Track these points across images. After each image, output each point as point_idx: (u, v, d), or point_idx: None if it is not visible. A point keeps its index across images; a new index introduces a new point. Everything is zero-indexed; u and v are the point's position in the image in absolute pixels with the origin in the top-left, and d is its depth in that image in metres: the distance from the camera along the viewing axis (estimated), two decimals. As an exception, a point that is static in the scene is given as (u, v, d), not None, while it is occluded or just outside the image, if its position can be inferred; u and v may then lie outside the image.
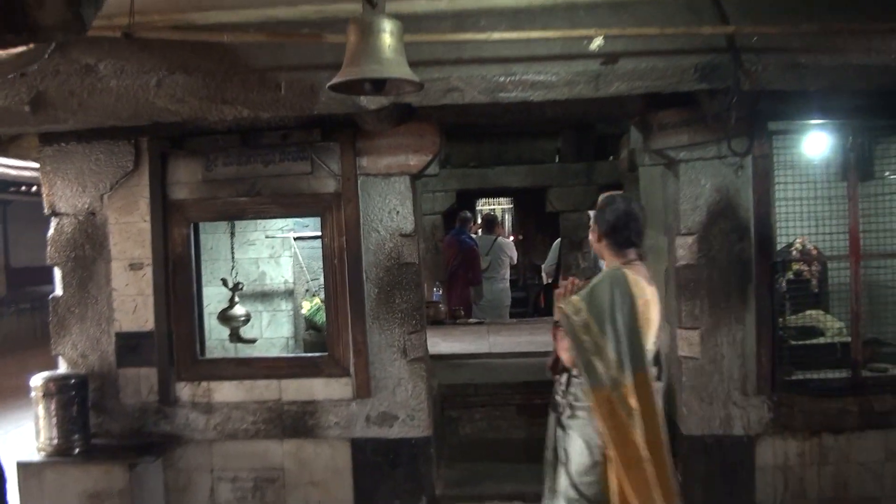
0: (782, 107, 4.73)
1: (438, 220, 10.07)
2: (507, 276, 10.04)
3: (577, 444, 3.56)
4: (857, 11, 4.36)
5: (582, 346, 3.38)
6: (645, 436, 3.32)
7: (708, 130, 4.69)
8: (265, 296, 6.54)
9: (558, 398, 3.73)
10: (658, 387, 3.71)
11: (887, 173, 5.31)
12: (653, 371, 3.60)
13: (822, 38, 4.36)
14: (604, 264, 3.86)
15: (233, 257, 6.08)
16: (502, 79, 4.36)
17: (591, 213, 3.69)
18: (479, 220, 11.09)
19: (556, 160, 10.13)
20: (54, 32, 2.27)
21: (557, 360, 3.62)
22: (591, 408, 3.39)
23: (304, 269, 6.44)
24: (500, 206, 16.47)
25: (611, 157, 9.14)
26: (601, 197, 3.93)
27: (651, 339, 3.55)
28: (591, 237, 3.74)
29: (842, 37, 4.36)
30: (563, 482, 3.60)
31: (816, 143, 5.13)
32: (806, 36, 4.32)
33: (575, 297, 3.45)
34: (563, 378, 3.66)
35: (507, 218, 15.99)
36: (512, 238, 13.84)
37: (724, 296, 4.82)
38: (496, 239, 9.98)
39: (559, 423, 3.68)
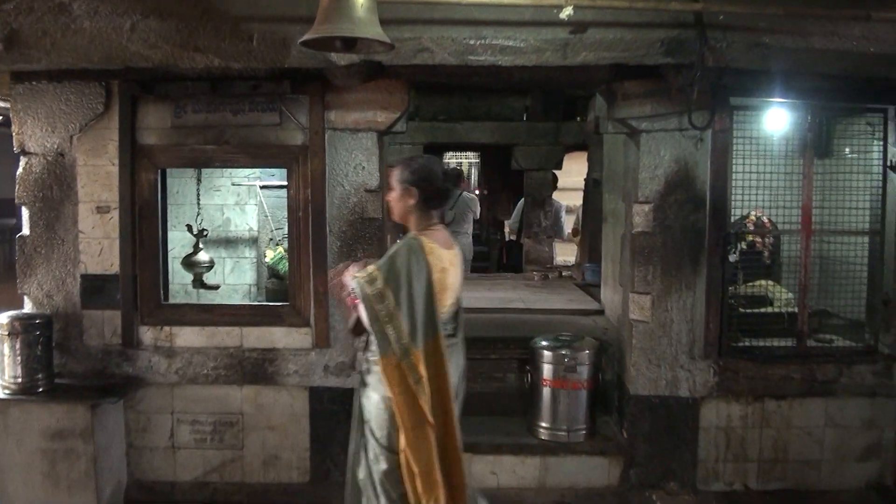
0: (745, 83, 4.88)
1: (405, 172, 10.17)
2: (471, 230, 10.20)
3: (373, 398, 3.70)
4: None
5: (375, 315, 3.50)
6: (432, 401, 3.54)
7: (671, 103, 4.85)
8: (229, 242, 6.64)
9: (359, 356, 3.89)
10: (454, 342, 3.88)
11: (847, 150, 5.50)
12: (447, 330, 3.76)
13: (787, 21, 4.53)
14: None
15: (198, 203, 6.16)
16: (472, 42, 4.47)
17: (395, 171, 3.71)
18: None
19: (525, 118, 10.23)
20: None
21: (358, 322, 3.67)
22: (381, 374, 3.54)
23: (269, 217, 6.54)
24: (467, 160, 16.59)
25: (578, 118, 9.26)
26: (400, 158, 3.97)
27: (448, 304, 3.71)
28: (391, 198, 3.78)
29: (807, 20, 4.53)
30: (367, 437, 3.76)
31: (776, 120, 5.30)
32: (771, 17, 4.48)
33: (371, 268, 3.54)
34: (364, 338, 3.76)
35: (474, 172, 16.12)
36: (477, 192, 13.99)
37: (676, 263, 5.03)
38: (461, 194, 10.13)
39: (361, 381, 3.81)
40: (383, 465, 3.67)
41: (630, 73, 4.81)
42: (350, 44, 3.60)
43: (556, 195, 11.28)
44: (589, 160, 7.56)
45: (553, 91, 8.76)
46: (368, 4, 3.45)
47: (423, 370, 3.52)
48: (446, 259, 3.66)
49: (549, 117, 10.03)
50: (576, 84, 5.94)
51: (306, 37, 3.42)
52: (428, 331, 3.54)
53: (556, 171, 10.41)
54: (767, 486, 5.23)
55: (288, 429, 5.20)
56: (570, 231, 10.43)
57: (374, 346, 3.61)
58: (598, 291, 6.66)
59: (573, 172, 10.42)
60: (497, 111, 9.89)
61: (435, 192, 3.72)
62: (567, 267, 9.35)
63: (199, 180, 6.14)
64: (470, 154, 15.40)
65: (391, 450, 3.66)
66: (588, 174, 7.58)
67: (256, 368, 5.10)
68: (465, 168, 16.58)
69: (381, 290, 3.49)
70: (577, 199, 10.02)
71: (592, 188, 7.31)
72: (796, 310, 5.29)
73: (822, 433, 5.24)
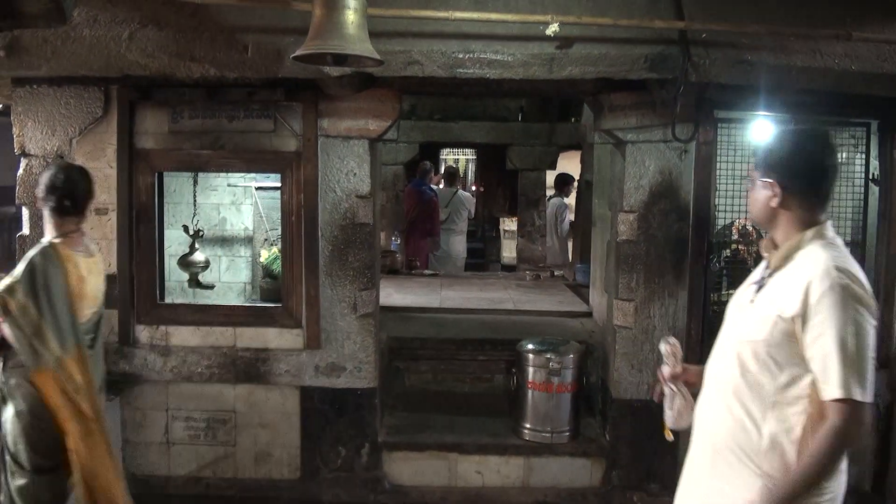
0: (729, 97, 5.04)
1: (400, 170, 10.34)
2: (465, 228, 10.38)
3: (7, 412, 3.78)
4: (805, 16, 4.70)
5: (21, 329, 3.57)
6: (87, 402, 3.67)
7: (656, 115, 5.01)
8: (225, 241, 6.80)
9: None
10: (93, 354, 3.97)
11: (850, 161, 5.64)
12: (86, 341, 3.86)
13: (769, 38, 4.71)
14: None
15: (195, 204, 6.32)
16: (461, 55, 4.65)
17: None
18: (442, 172, 11.41)
19: (520, 119, 10.38)
20: (37, 21, 2.54)
21: (3, 339, 3.68)
22: (38, 386, 3.60)
23: (264, 218, 6.71)
24: (463, 157, 16.74)
25: (573, 119, 9.43)
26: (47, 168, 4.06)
27: (87, 312, 3.81)
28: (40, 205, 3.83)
29: (789, 39, 4.70)
30: (7, 453, 3.82)
31: (761, 132, 5.47)
32: (755, 35, 4.65)
33: (9, 280, 3.57)
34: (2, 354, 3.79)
35: (470, 168, 16.30)
36: (473, 189, 14.17)
37: (659, 271, 5.20)
38: (456, 191, 10.34)
39: (1, 397, 3.86)
40: (18, 481, 3.76)
41: (616, 86, 4.98)
42: (341, 58, 3.76)
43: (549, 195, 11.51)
44: (582, 161, 7.72)
45: (559, 98, 8.93)
46: (359, 21, 3.62)
47: (79, 377, 3.63)
48: (84, 267, 3.76)
49: (544, 118, 10.17)
50: (563, 95, 6.11)
51: (298, 52, 3.59)
52: (73, 337, 3.65)
53: (550, 171, 10.61)
54: (746, 487, 5.39)
55: (279, 427, 5.38)
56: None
57: (16, 360, 3.62)
58: (588, 292, 6.84)
59: (568, 172, 10.58)
60: (492, 111, 10.05)
61: (69, 200, 3.78)
62: (560, 266, 9.53)
63: (195, 181, 6.29)
64: (468, 151, 15.57)
65: (22, 466, 3.74)
66: (581, 175, 7.74)
67: (249, 368, 5.27)
68: (461, 166, 16.78)
69: (23, 304, 3.53)
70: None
71: (584, 189, 7.48)
72: (779, 316, 5.45)
73: (801, 437, 5.40)
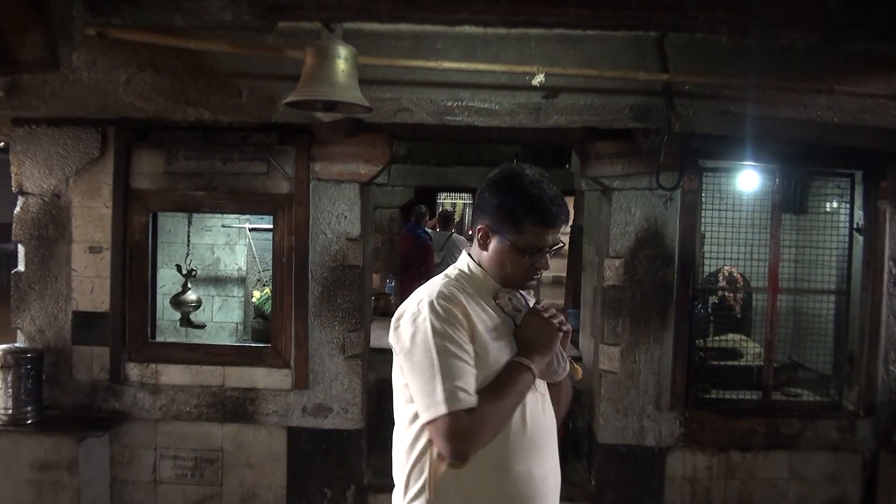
0: (714, 147, 5.22)
1: (396, 213, 10.46)
2: (460, 271, 10.43)
3: None
4: (788, 70, 4.86)
5: None
6: None
7: (641, 163, 5.18)
8: (218, 281, 6.94)
9: None
10: None
11: (835, 208, 5.82)
12: None
13: (753, 91, 4.86)
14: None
15: (188, 244, 6.46)
16: (450, 103, 4.82)
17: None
18: (437, 216, 11.54)
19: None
20: (32, 67, 2.68)
21: None
22: None
23: (257, 259, 6.84)
24: (461, 200, 16.93)
25: (567, 166, 9.57)
26: None
27: None
28: None
29: (772, 91, 4.86)
30: None
31: (746, 181, 5.64)
32: (738, 87, 4.80)
33: None
34: None
35: (467, 213, 16.45)
36: (469, 233, 14.27)
37: (645, 316, 5.33)
38: (451, 235, 10.48)
39: None
40: None
41: (602, 135, 5.17)
42: (331, 105, 3.91)
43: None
44: (575, 207, 7.84)
45: (547, 146, 9.07)
46: (349, 70, 3.77)
47: None
48: None
49: (538, 164, 10.21)
50: (550, 143, 6.27)
51: (289, 99, 3.74)
52: None
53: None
54: (732, 535, 5.49)
55: (266, 467, 5.46)
56: None
57: None
58: (579, 337, 6.92)
59: (561, 219, 10.72)
60: (487, 156, 10.16)
61: None
62: (552, 311, 9.59)
63: (189, 222, 6.44)
64: (464, 195, 15.71)
65: None
66: (574, 221, 7.86)
67: (237, 407, 5.37)
68: (458, 209, 16.92)
69: None
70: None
71: (577, 235, 7.61)
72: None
73: (787, 485, 5.51)
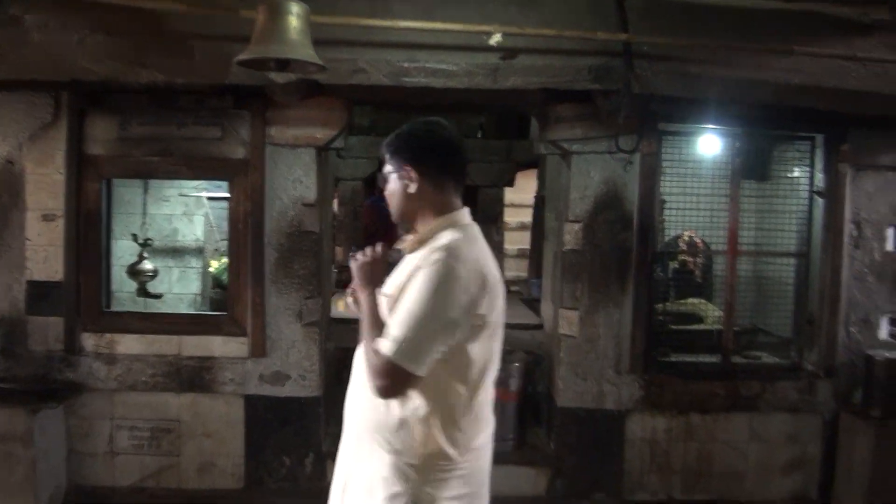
0: (674, 110, 5.26)
1: (359, 185, 10.43)
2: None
3: None
4: (749, 31, 4.91)
5: None
6: None
7: (601, 126, 5.21)
8: (176, 252, 6.91)
9: None
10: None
11: (796, 172, 5.91)
12: None
13: (712, 52, 4.91)
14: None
15: (144, 213, 6.43)
16: (406, 64, 4.83)
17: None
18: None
19: (479, 136, 10.55)
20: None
21: None
22: None
23: (215, 228, 6.82)
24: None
25: (530, 137, 9.60)
26: None
27: None
28: None
29: (732, 53, 4.91)
30: None
31: (706, 145, 5.70)
32: (697, 48, 4.85)
33: None
34: None
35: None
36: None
37: (604, 281, 5.38)
38: None
39: None
40: None
41: (561, 97, 5.18)
42: (284, 64, 3.89)
43: (510, 212, 11.72)
44: (539, 178, 7.89)
45: (506, 109, 9.06)
46: (301, 27, 3.76)
47: None
48: None
49: (502, 135, 10.35)
50: (510, 106, 6.30)
51: (240, 57, 3.72)
52: None
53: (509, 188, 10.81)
54: (692, 496, 5.58)
55: (223, 436, 5.46)
56: None
57: None
58: (541, 306, 6.98)
59: (526, 190, 10.74)
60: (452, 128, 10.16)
61: None
62: (517, 282, 9.67)
63: (145, 190, 6.41)
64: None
65: None
66: (538, 192, 7.91)
67: (194, 376, 5.36)
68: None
69: None
70: (528, 216, 10.35)
71: (540, 206, 7.65)
72: (727, 327, 5.67)
73: (747, 447, 5.61)
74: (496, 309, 2.50)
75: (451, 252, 2.39)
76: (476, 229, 2.61)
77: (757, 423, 5.60)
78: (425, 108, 6.25)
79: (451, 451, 2.45)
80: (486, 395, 2.59)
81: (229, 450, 5.47)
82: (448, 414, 2.46)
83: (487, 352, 2.50)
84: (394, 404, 2.46)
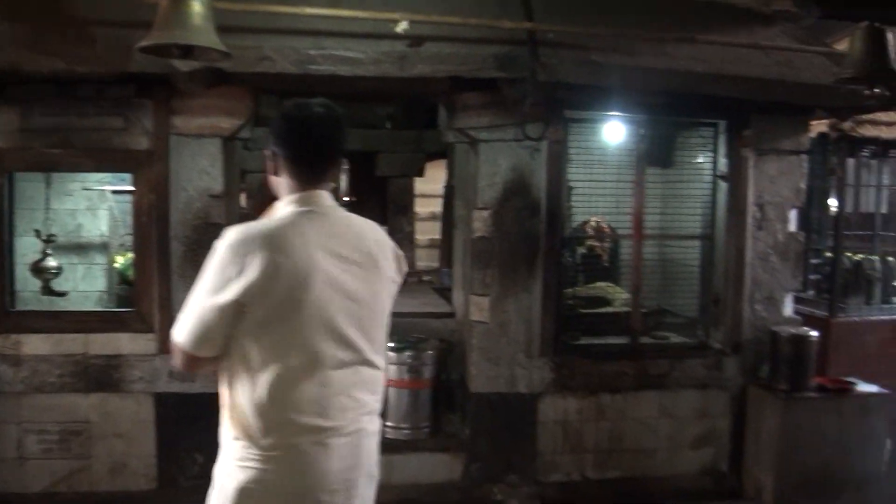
0: (580, 97, 5.35)
1: (266, 177, 10.32)
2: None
3: None
4: (652, 20, 5.03)
5: None
6: None
7: (507, 114, 5.27)
8: (81, 248, 6.72)
9: None
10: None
11: (700, 158, 6.09)
12: None
13: (617, 40, 5.02)
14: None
15: (47, 208, 6.26)
16: (313, 52, 4.81)
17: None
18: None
19: (388, 126, 10.55)
20: None
21: None
22: None
23: (120, 223, 6.67)
24: (337, 167, 16.74)
25: (439, 127, 9.67)
26: None
27: None
28: None
29: (636, 41, 5.03)
30: None
31: (612, 132, 5.83)
32: (601, 36, 4.95)
33: None
34: None
35: (343, 179, 16.35)
36: (346, 199, 14.23)
37: (514, 267, 5.46)
38: None
39: None
40: None
41: (468, 85, 5.21)
42: (187, 51, 3.85)
43: (421, 202, 11.76)
44: (448, 168, 7.95)
45: (415, 99, 9.08)
46: (204, 13, 3.74)
47: None
48: None
49: (412, 125, 10.37)
50: (418, 95, 6.33)
51: (142, 43, 3.68)
52: None
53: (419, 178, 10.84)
54: (605, 474, 5.73)
55: (135, 436, 5.35)
56: None
57: None
58: (452, 295, 7.05)
59: (436, 180, 10.79)
60: (361, 118, 10.11)
61: None
62: (428, 272, 9.73)
63: (48, 184, 6.24)
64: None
65: None
66: (447, 181, 7.97)
67: (102, 375, 5.24)
68: (336, 174, 16.78)
69: None
70: (438, 206, 10.41)
71: (450, 195, 7.71)
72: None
73: (657, 423, 5.78)
74: (305, 290, 2.36)
75: (229, 233, 2.37)
76: (323, 212, 2.50)
77: (666, 400, 5.77)
78: (333, 97, 6.18)
79: (243, 440, 2.41)
80: (310, 383, 2.41)
81: (141, 450, 5.36)
82: (241, 399, 2.40)
83: (293, 335, 2.38)
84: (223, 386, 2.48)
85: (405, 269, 2.72)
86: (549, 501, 5.38)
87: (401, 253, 2.71)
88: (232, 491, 2.40)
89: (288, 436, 2.39)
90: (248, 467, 2.39)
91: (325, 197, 2.53)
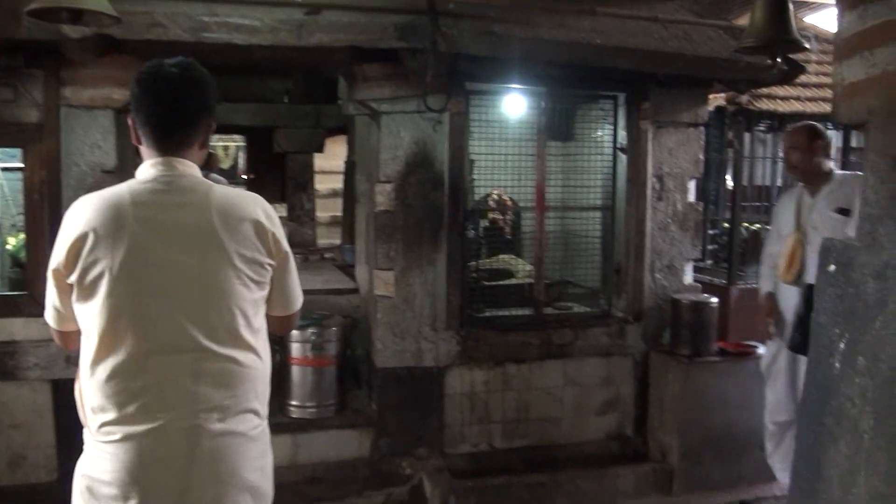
0: (481, 69, 5.35)
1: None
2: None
3: None
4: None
5: None
6: None
7: (409, 86, 5.24)
8: (-31, 230, 6.49)
9: None
10: None
11: (600, 130, 6.18)
12: None
13: (516, 11, 5.06)
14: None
15: (-71, 189, 6.02)
16: (207, 19, 4.68)
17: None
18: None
19: (286, 100, 10.42)
20: None
21: None
22: None
23: (11, 202, 6.45)
24: (234, 144, 16.63)
25: (339, 101, 9.62)
26: None
27: None
28: None
29: (535, 12, 5.07)
30: None
31: (513, 105, 5.89)
32: (502, 7, 4.97)
33: None
34: None
35: (241, 156, 16.18)
36: (245, 177, 14.05)
37: (418, 240, 5.46)
38: (208, 175, 10.23)
39: None
40: None
41: (369, 56, 5.16)
42: (77, 15, 3.73)
43: (321, 178, 11.69)
44: (348, 143, 7.91)
45: (313, 72, 8.97)
46: (95, -24, 3.63)
47: None
48: None
49: (310, 100, 10.25)
50: (317, 66, 6.26)
51: (32, 6, 3.55)
52: None
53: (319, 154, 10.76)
54: (512, 444, 5.81)
55: (33, 426, 5.15)
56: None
57: None
58: (355, 271, 7.03)
59: (337, 156, 10.73)
60: (259, 93, 9.96)
61: None
62: (330, 249, 9.69)
63: (-70, 164, 5.99)
64: (237, 137, 15.37)
65: None
66: (348, 157, 7.93)
67: (-5, 363, 5.03)
68: (232, 152, 16.58)
69: None
70: (339, 183, 10.35)
71: (351, 171, 7.67)
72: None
73: (562, 392, 5.89)
74: (126, 265, 2.20)
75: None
76: (169, 182, 2.33)
77: (571, 369, 5.87)
78: (230, 68, 6.11)
79: (88, 424, 2.34)
80: (129, 369, 2.23)
81: (39, 440, 5.16)
82: (85, 381, 2.31)
83: (111, 313, 2.22)
84: None
85: (285, 248, 2.46)
86: (457, 473, 5.41)
87: (277, 231, 2.42)
88: (77, 475, 2.35)
89: (108, 425, 2.24)
90: (85, 453, 2.34)
91: (179, 164, 2.35)
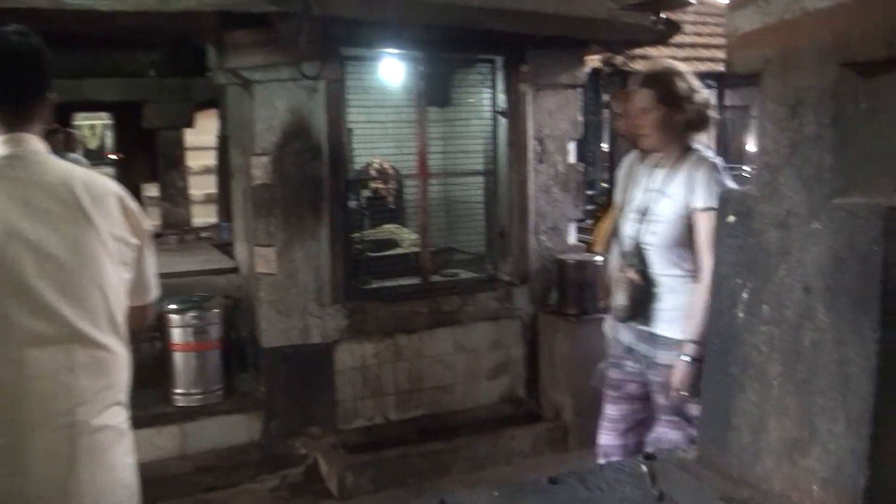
0: (357, 34, 5.22)
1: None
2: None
3: None
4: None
5: None
6: None
7: (282, 53, 5.05)
8: None
9: None
10: None
11: (479, 94, 6.09)
12: None
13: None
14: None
15: None
16: (67, -17, 4.39)
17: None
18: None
19: (153, 73, 10.00)
20: None
21: None
22: None
23: None
24: (100, 122, 15.94)
25: (209, 73, 9.29)
26: None
27: None
28: None
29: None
30: None
31: (390, 70, 5.76)
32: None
33: None
34: None
35: (108, 135, 15.58)
36: (113, 157, 13.50)
37: (298, 213, 5.31)
38: (65, 156, 9.81)
39: None
40: None
41: (239, 22, 4.95)
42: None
43: (193, 155, 11.30)
44: (220, 116, 7.63)
45: (181, 43, 8.59)
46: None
47: None
48: None
49: (178, 72, 9.86)
50: (185, 33, 5.96)
51: None
52: None
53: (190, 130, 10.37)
54: (406, 415, 5.77)
55: None
56: None
57: None
58: (234, 249, 6.82)
59: (208, 131, 10.35)
60: (125, 66, 9.48)
61: None
62: (206, 228, 9.40)
63: None
64: (103, 115, 14.73)
65: None
66: (220, 131, 7.65)
67: None
68: (99, 131, 15.92)
69: None
70: (212, 159, 10.02)
71: (224, 146, 7.40)
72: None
73: (453, 359, 5.88)
74: None
75: None
76: (23, 158, 2.13)
77: (460, 335, 5.86)
78: (95, 41, 5.76)
79: None
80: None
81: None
82: None
83: None
84: None
85: (147, 226, 2.29)
86: (352, 448, 5.32)
87: (135, 207, 2.25)
88: None
89: None
90: None
91: (30, 141, 2.14)
